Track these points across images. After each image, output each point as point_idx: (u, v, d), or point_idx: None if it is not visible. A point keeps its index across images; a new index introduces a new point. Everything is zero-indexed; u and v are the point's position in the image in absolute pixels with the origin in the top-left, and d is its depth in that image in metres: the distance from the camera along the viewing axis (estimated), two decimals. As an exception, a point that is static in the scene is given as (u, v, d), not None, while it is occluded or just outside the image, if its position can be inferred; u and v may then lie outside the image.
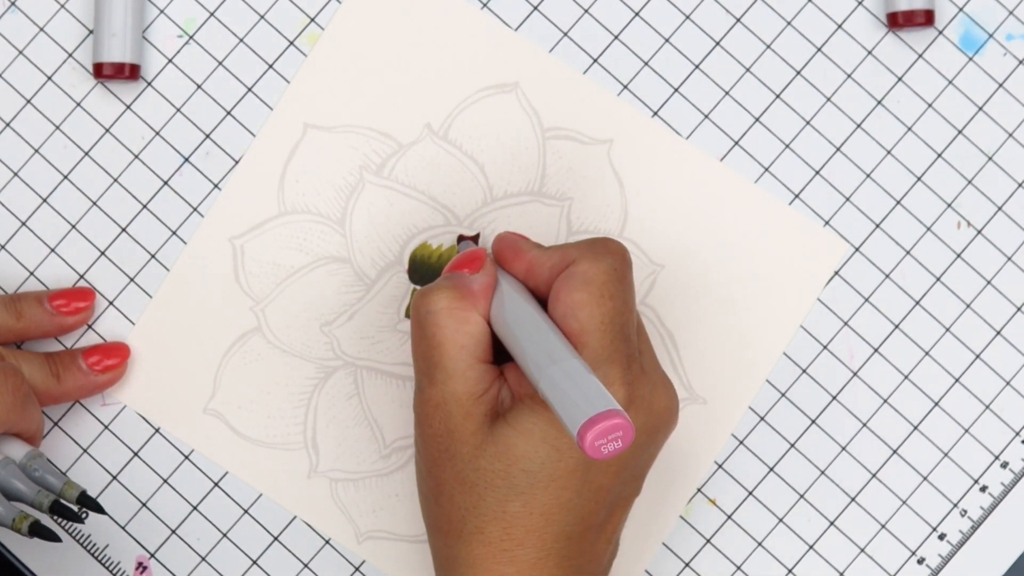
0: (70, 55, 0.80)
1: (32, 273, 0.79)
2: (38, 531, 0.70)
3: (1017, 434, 0.79)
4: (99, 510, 0.73)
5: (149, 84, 0.80)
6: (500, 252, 0.73)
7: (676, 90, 0.80)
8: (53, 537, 0.71)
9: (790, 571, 0.79)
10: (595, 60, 0.80)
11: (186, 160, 0.80)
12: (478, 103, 0.80)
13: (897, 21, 0.80)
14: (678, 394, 0.78)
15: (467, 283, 0.70)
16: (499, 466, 0.68)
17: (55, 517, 0.72)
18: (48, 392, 0.76)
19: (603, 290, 0.69)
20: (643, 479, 0.72)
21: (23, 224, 0.80)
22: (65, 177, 0.80)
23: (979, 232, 0.80)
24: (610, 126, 0.80)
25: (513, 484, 0.68)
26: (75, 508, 0.72)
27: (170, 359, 0.79)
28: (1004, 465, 0.79)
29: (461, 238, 0.79)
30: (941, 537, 0.79)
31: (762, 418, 0.79)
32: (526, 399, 0.69)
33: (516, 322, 0.69)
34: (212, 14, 0.80)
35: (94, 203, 0.80)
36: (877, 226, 0.80)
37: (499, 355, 0.71)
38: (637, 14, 0.80)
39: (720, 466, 0.79)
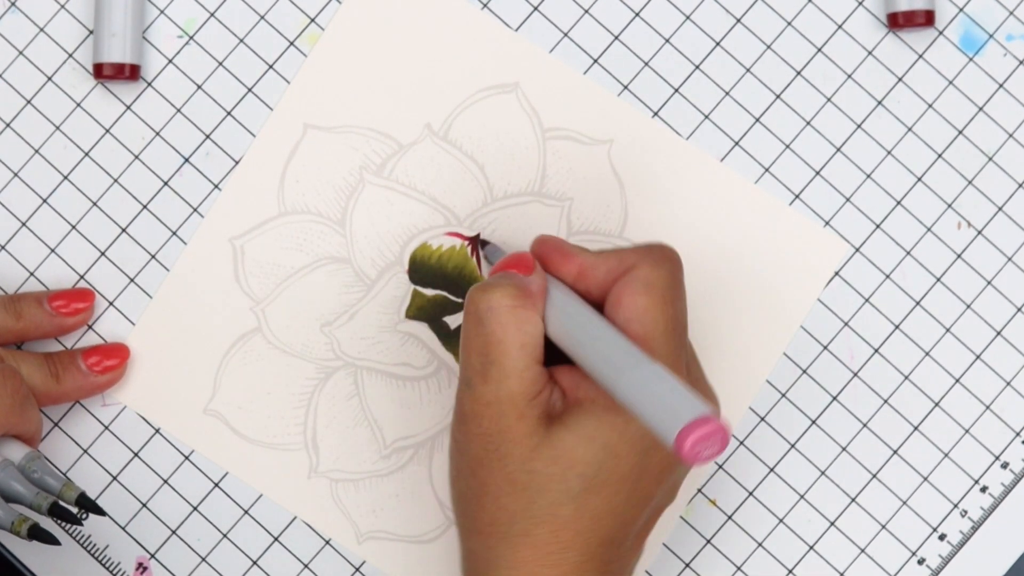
0: (70, 55, 0.80)
1: (32, 273, 0.79)
2: (37, 534, 0.70)
3: (1017, 434, 0.79)
4: (98, 511, 0.73)
5: (149, 84, 0.80)
6: (546, 255, 0.71)
7: (676, 90, 0.80)
8: (52, 540, 0.71)
9: (790, 571, 0.79)
10: (595, 60, 0.80)
11: (186, 160, 0.80)
12: (478, 103, 0.80)
13: (897, 21, 0.80)
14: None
15: (527, 283, 0.69)
16: (554, 470, 0.67)
17: (55, 519, 0.72)
18: (47, 393, 0.76)
19: (665, 295, 0.68)
20: (679, 487, 0.72)
21: (23, 224, 0.80)
22: (65, 177, 0.80)
23: (979, 232, 0.80)
24: (610, 126, 0.80)
25: (568, 488, 0.67)
26: (74, 510, 0.72)
27: (170, 359, 0.79)
28: (1004, 466, 0.79)
29: (478, 244, 0.79)
30: (941, 538, 0.79)
31: (762, 418, 0.79)
32: (585, 403, 0.68)
33: (579, 326, 0.68)
34: (212, 14, 0.80)
35: (94, 203, 0.80)
36: (877, 226, 0.80)
37: (547, 358, 0.70)
38: (637, 14, 0.80)
39: (720, 466, 0.79)
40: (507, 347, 0.68)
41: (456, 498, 0.70)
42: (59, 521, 0.72)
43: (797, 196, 0.80)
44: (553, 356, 0.69)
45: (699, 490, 0.79)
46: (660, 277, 0.69)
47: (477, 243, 0.80)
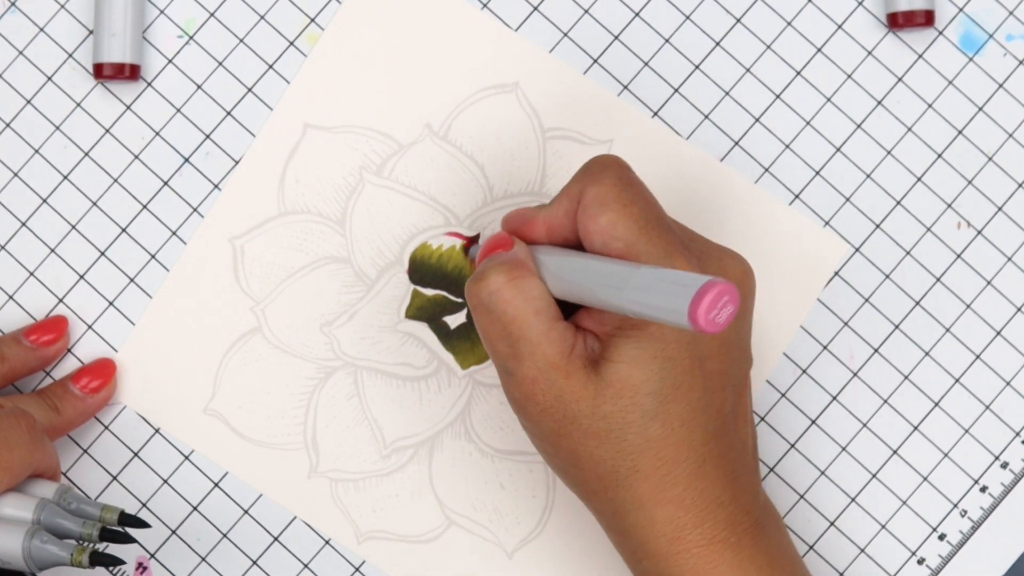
0: (70, 55, 0.80)
1: (32, 274, 0.79)
2: (100, 560, 0.70)
3: (1017, 434, 0.79)
4: (143, 525, 0.72)
5: (149, 84, 0.80)
6: (515, 228, 0.72)
7: (676, 90, 0.80)
8: (116, 560, 0.70)
9: (790, 571, 0.79)
10: (595, 60, 0.80)
11: (186, 160, 0.80)
12: (478, 103, 0.80)
13: (897, 21, 0.80)
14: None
15: (512, 256, 0.70)
16: (624, 402, 0.67)
17: (106, 543, 0.72)
18: (53, 427, 0.76)
19: (621, 200, 0.69)
20: (750, 349, 0.72)
21: (23, 224, 0.80)
22: (65, 177, 0.80)
23: (979, 232, 0.80)
24: (610, 126, 0.80)
25: (645, 411, 0.67)
26: (122, 530, 0.72)
27: (170, 359, 0.79)
28: (1004, 465, 0.79)
29: (466, 246, 0.79)
30: (941, 537, 0.79)
31: (762, 418, 0.79)
32: (616, 333, 0.68)
33: (570, 271, 0.68)
34: (212, 14, 0.80)
35: (94, 203, 0.80)
36: (877, 226, 0.80)
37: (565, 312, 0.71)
38: (637, 14, 0.80)
39: (720, 466, 0.79)
40: (524, 318, 0.69)
41: (558, 475, 0.71)
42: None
43: (797, 196, 0.80)
44: (567, 310, 0.70)
45: (699, 490, 0.79)
46: (608, 189, 0.69)
47: (477, 244, 0.80)
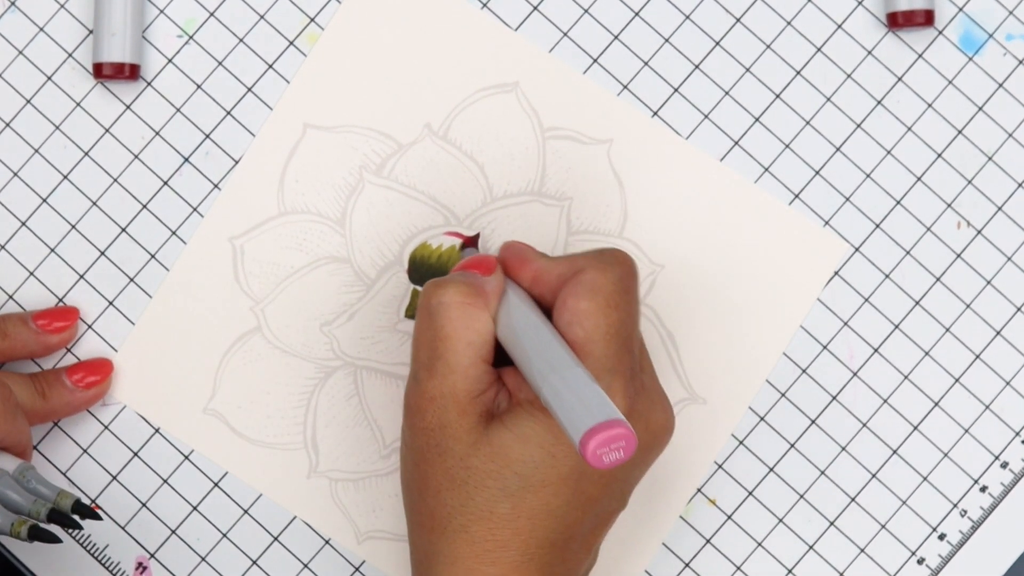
0: (70, 55, 0.80)
1: (32, 273, 0.79)
2: (38, 534, 0.70)
3: (1017, 434, 0.79)
4: (95, 516, 0.72)
5: (149, 84, 0.80)
6: (507, 260, 0.72)
7: (676, 90, 0.80)
8: (53, 539, 0.70)
9: (790, 571, 0.79)
10: (595, 60, 0.80)
11: (186, 160, 0.80)
12: (478, 103, 0.80)
13: (897, 21, 0.80)
14: (678, 394, 0.79)
15: (480, 282, 0.70)
16: (492, 467, 0.68)
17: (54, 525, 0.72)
18: (35, 411, 0.76)
19: (609, 300, 0.69)
20: (630, 494, 0.72)
21: (23, 224, 0.80)
22: (65, 177, 0.80)
23: (979, 232, 0.80)
24: (610, 126, 0.80)
25: (504, 486, 0.68)
26: (70, 515, 0.72)
27: (170, 359, 0.79)
28: (1004, 465, 0.79)
29: (464, 245, 0.79)
30: (941, 537, 0.79)
31: (762, 418, 0.79)
32: (525, 404, 0.69)
33: (521, 328, 0.68)
34: (212, 14, 0.80)
35: (94, 203, 0.80)
36: (877, 226, 0.80)
37: (498, 359, 0.71)
38: (637, 14, 0.80)
39: (720, 466, 0.79)
40: (454, 343, 0.69)
41: (403, 490, 0.71)
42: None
43: (797, 196, 0.80)
44: (505, 358, 0.70)
45: (699, 490, 0.79)
46: (607, 282, 0.69)
47: (476, 244, 0.80)
